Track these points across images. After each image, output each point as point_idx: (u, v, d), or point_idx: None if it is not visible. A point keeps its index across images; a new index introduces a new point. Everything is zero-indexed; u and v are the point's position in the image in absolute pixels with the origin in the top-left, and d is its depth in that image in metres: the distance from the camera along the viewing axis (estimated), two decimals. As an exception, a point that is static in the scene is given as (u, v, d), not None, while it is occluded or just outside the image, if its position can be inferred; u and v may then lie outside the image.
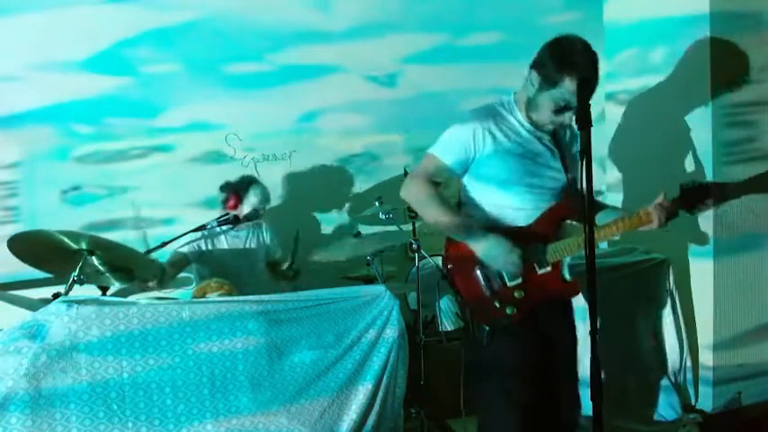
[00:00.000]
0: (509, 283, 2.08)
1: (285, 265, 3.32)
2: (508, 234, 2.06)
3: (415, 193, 2.17)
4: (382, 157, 3.88)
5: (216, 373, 2.17)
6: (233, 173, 3.41)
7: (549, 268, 2.11)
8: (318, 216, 3.83)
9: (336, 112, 3.75)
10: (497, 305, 2.06)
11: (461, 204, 2.27)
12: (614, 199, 4.02)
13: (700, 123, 3.29)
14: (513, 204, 2.12)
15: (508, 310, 2.06)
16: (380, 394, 2.34)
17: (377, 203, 3.29)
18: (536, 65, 2.09)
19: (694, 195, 2.14)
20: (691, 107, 3.33)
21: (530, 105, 2.10)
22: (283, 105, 3.66)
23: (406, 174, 3.95)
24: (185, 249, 3.16)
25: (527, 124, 2.14)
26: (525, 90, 2.12)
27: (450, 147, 2.13)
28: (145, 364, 2.11)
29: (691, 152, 3.36)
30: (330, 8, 3.67)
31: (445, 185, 2.22)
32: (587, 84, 1.92)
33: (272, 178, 3.58)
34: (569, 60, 1.99)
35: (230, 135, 3.63)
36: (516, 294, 2.07)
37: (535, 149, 2.13)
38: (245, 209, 3.18)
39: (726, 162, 3.26)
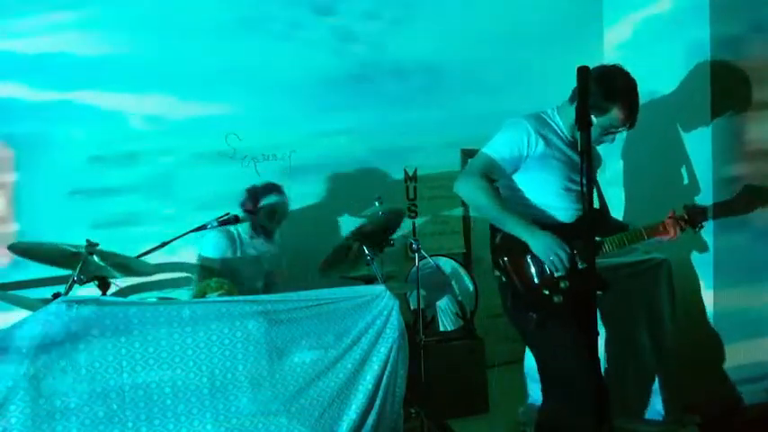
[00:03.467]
0: (556, 274, 2.19)
1: None
2: (555, 229, 2.20)
3: (470, 189, 2.24)
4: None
5: (216, 373, 2.17)
6: (233, 172, 3.41)
7: (586, 264, 2.24)
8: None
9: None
10: (546, 293, 2.19)
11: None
12: (613, 195, 4.01)
13: (699, 123, 3.30)
14: (553, 204, 2.27)
15: (555, 299, 2.19)
16: (380, 394, 2.34)
17: (377, 203, 3.30)
18: None
19: (696, 216, 2.50)
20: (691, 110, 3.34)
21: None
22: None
23: (406, 174, 4.01)
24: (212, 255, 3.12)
25: (567, 137, 2.31)
26: (571, 109, 2.24)
27: (504, 146, 2.25)
28: (145, 364, 2.10)
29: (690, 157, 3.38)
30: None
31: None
32: (587, 73, 1.90)
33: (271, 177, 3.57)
34: (614, 89, 2.19)
35: (230, 135, 3.63)
36: (562, 285, 2.19)
37: (572, 158, 2.29)
38: (261, 215, 3.17)
39: (725, 161, 3.26)
